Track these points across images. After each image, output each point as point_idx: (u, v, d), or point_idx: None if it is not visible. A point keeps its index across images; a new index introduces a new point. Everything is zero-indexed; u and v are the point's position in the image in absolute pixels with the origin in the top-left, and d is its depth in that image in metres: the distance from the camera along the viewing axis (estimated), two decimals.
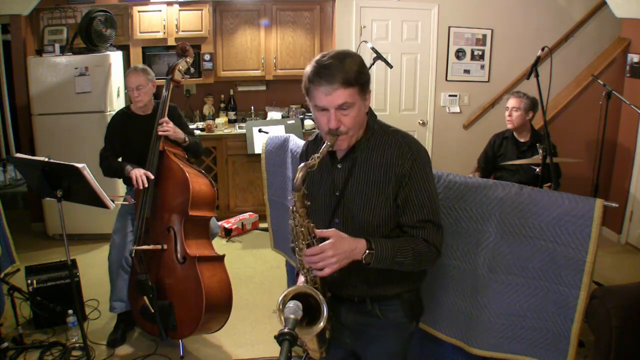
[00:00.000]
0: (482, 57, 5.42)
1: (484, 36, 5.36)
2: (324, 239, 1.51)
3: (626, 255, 4.54)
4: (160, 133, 2.94)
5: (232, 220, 5.00)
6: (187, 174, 2.87)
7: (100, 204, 2.65)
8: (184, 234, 2.88)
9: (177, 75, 3.11)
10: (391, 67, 3.83)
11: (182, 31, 4.96)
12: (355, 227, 1.62)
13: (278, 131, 4.85)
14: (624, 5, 4.65)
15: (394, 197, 1.60)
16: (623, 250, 4.63)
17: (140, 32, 4.94)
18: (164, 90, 3.05)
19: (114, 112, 3.76)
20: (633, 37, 4.75)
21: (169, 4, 4.91)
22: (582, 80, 5.04)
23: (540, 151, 3.11)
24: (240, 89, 5.46)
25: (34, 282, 3.25)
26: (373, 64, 3.67)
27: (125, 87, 3.72)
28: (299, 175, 1.50)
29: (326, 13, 5.25)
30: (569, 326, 1.88)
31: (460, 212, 2.02)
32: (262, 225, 5.05)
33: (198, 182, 2.93)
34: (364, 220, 1.62)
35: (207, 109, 5.38)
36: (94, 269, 4.03)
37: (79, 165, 2.48)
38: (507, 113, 3.59)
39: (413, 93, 5.49)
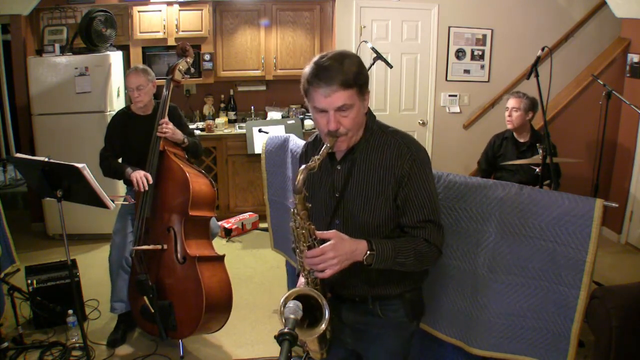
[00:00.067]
0: (482, 57, 5.42)
1: (484, 36, 5.36)
2: (324, 241, 1.51)
3: (626, 255, 4.54)
4: (159, 134, 2.94)
5: (232, 220, 5.00)
6: (187, 174, 2.87)
7: (100, 204, 2.65)
8: (184, 234, 2.88)
9: (177, 75, 3.11)
10: (391, 67, 3.83)
11: (182, 31, 4.96)
12: (355, 228, 1.62)
13: (278, 131, 4.85)
14: (624, 5, 4.65)
15: (393, 198, 1.60)
16: (623, 250, 4.63)
17: (140, 32, 4.94)
18: (164, 91, 3.05)
19: (114, 112, 3.76)
20: (633, 37, 4.75)
21: (169, 4, 4.91)
22: (582, 80, 5.04)
23: (540, 151, 3.11)
24: (240, 89, 5.46)
25: (34, 282, 3.26)
26: (373, 64, 3.67)
27: (126, 87, 3.72)
28: (300, 177, 1.50)
29: (326, 13, 5.25)
30: (569, 326, 1.88)
31: (460, 212, 2.02)
32: (262, 225, 5.05)
33: (198, 182, 2.93)
34: (364, 221, 1.62)
35: (207, 109, 5.38)
36: (94, 269, 4.03)
37: (79, 165, 2.48)
38: (507, 113, 3.59)
39: (413, 93, 5.49)
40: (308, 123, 5.19)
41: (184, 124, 3.22)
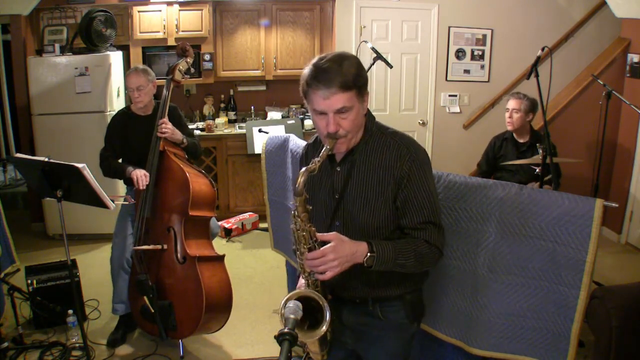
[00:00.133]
0: (482, 57, 5.42)
1: (484, 36, 5.36)
2: (325, 243, 1.51)
3: (626, 255, 4.54)
4: (159, 134, 2.94)
5: (232, 220, 5.00)
6: (187, 174, 2.87)
7: (100, 204, 2.65)
8: (184, 234, 2.88)
9: (177, 76, 3.11)
10: (391, 67, 3.83)
11: (182, 31, 4.96)
12: (355, 230, 1.62)
13: (278, 131, 4.85)
14: (624, 5, 4.65)
15: (393, 199, 1.60)
16: (623, 250, 4.63)
17: (140, 32, 4.94)
18: (164, 91, 3.05)
19: (114, 112, 3.76)
20: (633, 37, 4.75)
21: (169, 4, 4.91)
22: (582, 80, 5.04)
23: (540, 151, 3.11)
24: (240, 89, 5.46)
25: (34, 282, 3.26)
26: (373, 64, 3.67)
27: (126, 88, 3.72)
28: (301, 180, 1.50)
29: (326, 13, 5.25)
30: (569, 326, 1.88)
31: (460, 212, 2.02)
32: (262, 225, 5.05)
33: (198, 182, 2.93)
34: (364, 222, 1.62)
35: (207, 109, 5.38)
36: (94, 269, 4.03)
37: (79, 165, 2.48)
38: (507, 114, 3.59)
39: (413, 93, 5.49)
40: (308, 123, 5.19)
41: (183, 124, 3.22)
